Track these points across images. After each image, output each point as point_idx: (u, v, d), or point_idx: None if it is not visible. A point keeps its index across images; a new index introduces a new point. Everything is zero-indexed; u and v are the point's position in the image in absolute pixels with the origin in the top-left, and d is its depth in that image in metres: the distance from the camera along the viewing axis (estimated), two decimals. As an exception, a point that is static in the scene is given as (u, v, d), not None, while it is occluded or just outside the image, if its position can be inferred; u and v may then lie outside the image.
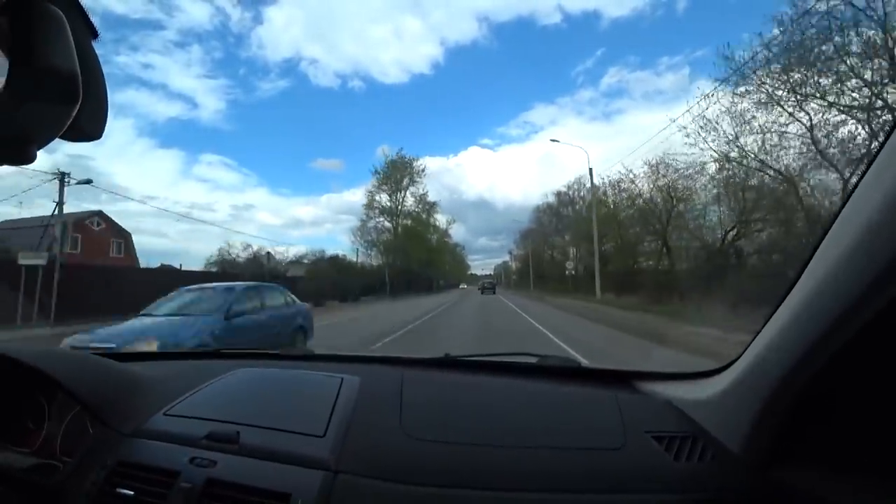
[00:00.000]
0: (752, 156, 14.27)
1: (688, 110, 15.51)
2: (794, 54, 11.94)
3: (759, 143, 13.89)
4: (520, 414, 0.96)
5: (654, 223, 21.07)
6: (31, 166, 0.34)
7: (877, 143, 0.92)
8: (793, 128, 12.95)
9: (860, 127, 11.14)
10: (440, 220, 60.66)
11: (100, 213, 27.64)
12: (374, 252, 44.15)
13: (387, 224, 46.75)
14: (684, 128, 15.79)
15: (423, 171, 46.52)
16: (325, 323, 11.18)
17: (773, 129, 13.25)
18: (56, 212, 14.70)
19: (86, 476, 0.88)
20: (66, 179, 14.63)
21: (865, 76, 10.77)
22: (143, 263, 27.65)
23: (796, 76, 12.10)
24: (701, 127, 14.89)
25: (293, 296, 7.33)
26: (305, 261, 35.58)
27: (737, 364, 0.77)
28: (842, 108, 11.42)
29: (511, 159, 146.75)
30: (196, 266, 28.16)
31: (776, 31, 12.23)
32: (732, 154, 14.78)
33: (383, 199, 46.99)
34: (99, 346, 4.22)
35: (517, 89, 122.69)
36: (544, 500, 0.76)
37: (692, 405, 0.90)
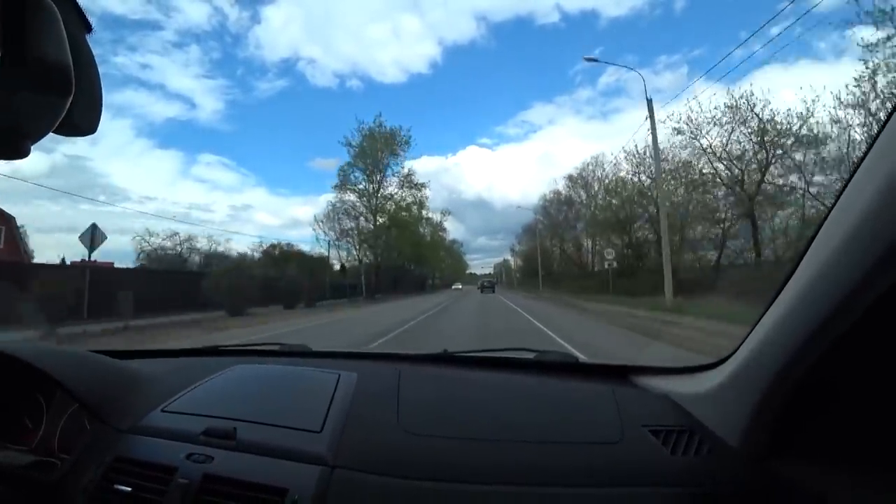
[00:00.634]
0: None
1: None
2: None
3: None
4: (517, 409, 0.97)
5: (741, 197, 14.80)
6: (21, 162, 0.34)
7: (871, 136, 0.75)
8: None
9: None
10: (433, 213, 54.16)
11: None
12: (352, 245, 35.86)
13: (365, 211, 36.84)
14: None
15: (408, 141, 35.68)
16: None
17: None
18: None
19: (83, 473, 0.88)
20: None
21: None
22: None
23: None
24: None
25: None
26: (257, 254, 29.79)
27: (733, 358, 0.77)
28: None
29: (509, 158, 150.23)
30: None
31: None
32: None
33: (359, 179, 37.47)
34: None
35: (515, 88, 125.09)
36: (542, 494, 0.76)
37: (689, 399, 0.90)
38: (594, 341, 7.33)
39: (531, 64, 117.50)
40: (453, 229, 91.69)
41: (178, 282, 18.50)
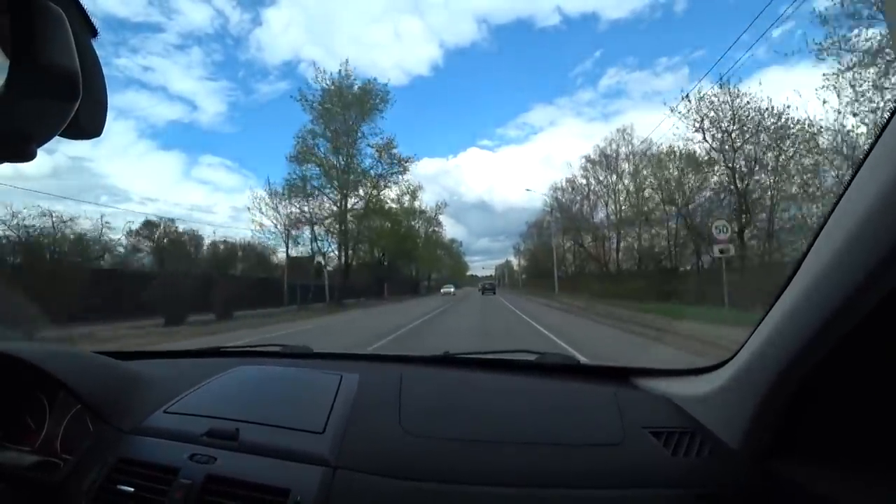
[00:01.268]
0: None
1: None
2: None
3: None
4: (518, 410, 0.97)
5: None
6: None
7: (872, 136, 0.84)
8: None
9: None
10: (427, 206, 47.89)
11: None
12: (318, 236, 26.50)
13: (332, 190, 26.52)
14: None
15: (385, 98, 26.24)
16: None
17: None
18: None
19: (86, 473, 0.88)
20: None
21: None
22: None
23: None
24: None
25: None
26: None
27: (735, 360, 0.78)
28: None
29: (510, 160, 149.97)
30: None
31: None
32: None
33: (322, 150, 26.32)
34: None
35: (516, 90, 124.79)
36: (543, 495, 0.76)
37: (690, 401, 0.90)
38: None
39: (532, 66, 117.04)
40: (453, 230, 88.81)
41: (127, 283, 15.00)
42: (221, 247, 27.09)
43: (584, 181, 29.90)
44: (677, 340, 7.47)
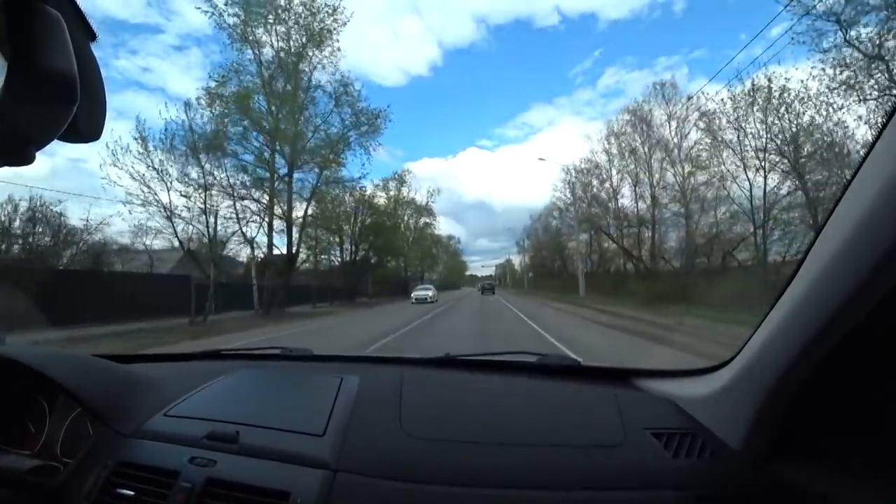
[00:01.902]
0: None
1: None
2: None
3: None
4: (519, 412, 0.96)
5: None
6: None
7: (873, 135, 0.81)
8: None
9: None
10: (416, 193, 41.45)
11: None
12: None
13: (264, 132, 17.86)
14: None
15: (343, 18, 17.95)
16: None
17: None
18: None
19: (86, 477, 0.88)
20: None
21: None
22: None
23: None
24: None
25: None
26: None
27: (735, 361, 0.77)
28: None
29: (509, 160, 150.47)
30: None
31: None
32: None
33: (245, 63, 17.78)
34: None
35: (515, 90, 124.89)
36: (544, 497, 0.75)
37: (691, 402, 0.89)
38: None
39: (531, 66, 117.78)
40: (452, 230, 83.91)
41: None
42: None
43: (605, 158, 23.59)
44: None
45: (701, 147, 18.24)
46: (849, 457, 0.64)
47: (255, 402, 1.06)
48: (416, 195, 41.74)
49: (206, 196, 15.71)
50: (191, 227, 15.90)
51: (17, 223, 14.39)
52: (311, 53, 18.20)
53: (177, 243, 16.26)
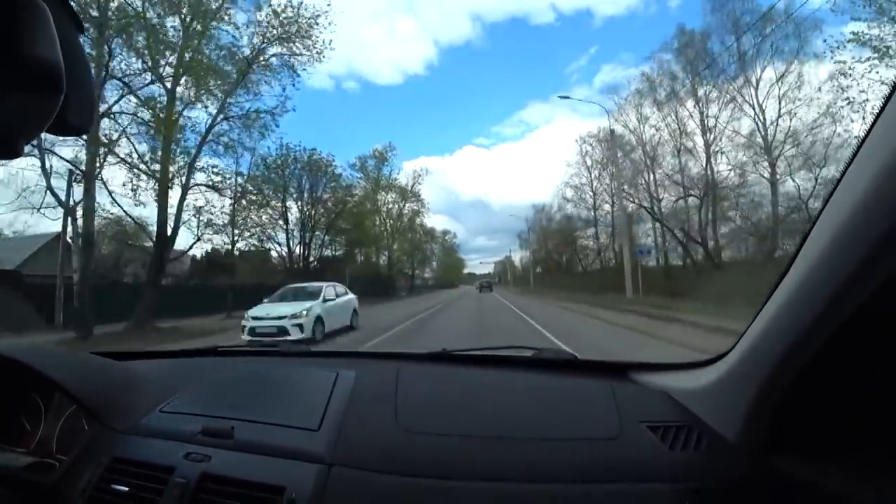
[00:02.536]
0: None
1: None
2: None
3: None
4: (515, 406, 0.96)
5: None
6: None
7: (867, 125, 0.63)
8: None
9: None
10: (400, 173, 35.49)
11: None
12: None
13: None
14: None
15: None
16: None
17: None
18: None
19: (81, 474, 0.88)
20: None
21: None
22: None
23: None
24: None
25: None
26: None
27: (731, 353, 0.77)
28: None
29: (506, 158, 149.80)
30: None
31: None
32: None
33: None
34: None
35: (511, 88, 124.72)
36: (541, 490, 0.75)
37: (687, 395, 0.89)
38: None
39: (527, 63, 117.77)
40: (450, 228, 79.18)
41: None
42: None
43: (633, 119, 17.29)
44: None
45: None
46: (845, 449, 0.64)
47: (250, 398, 1.05)
48: (400, 176, 35.54)
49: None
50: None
51: None
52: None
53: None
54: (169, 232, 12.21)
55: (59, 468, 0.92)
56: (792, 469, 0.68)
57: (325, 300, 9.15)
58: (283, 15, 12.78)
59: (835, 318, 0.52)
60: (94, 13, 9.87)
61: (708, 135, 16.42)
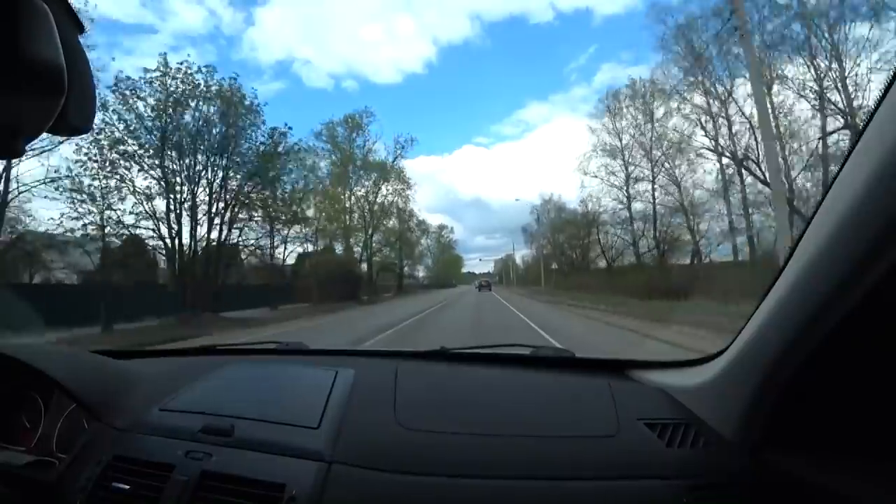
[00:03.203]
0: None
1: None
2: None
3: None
4: (514, 403, 0.97)
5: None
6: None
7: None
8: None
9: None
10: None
11: None
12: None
13: None
14: None
15: None
16: None
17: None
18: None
19: (81, 472, 0.87)
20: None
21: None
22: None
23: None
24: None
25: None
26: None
27: (728, 351, 0.78)
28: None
29: (506, 157, 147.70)
30: None
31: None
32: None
33: None
34: None
35: (510, 87, 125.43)
36: (539, 487, 0.76)
37: (685, 392, 0.90)
38: None
39: (526, 62, 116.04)
40: (451, 227, 74.79)
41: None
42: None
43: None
44: None
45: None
46: (841, 445, 0.64)
47: (249, 396, 1.04)
48: (378, 145, 29.07)
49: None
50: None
51: None
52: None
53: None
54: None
55: (58, 466, 0.92)
56: (788, 466, 0.68)
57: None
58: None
59: (831, 315, 0.52)
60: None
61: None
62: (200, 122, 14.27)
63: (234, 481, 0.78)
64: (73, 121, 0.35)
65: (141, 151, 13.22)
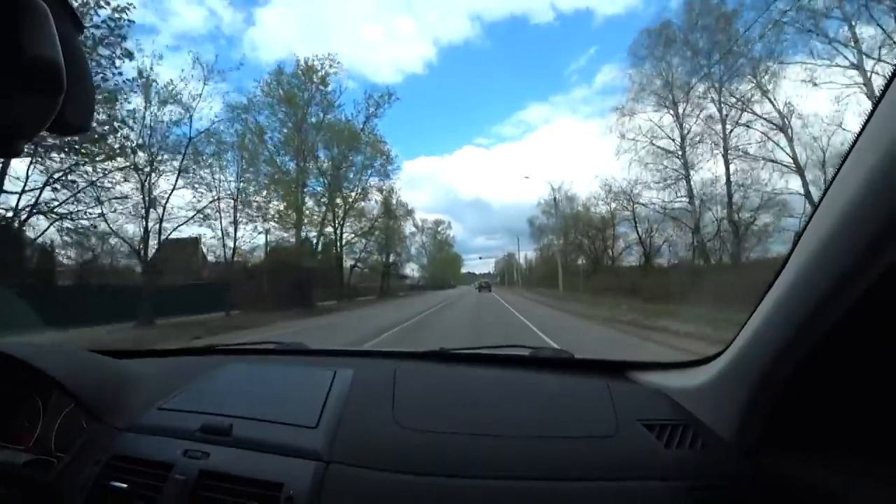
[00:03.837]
0: None
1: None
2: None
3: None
4: (512, 404, 0.97)
5: None
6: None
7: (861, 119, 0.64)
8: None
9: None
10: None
11: None
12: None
13: None
14: None
15: None
16: None
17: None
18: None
19: (80, 471, 0.88)
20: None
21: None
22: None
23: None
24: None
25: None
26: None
27: (726, 353, 0.78)
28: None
29: (506, 158, 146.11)
30: None
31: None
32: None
33: None
34: None
35: (511, 88, 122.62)
36: (537, 488, 0.76)
37: (683, 394, 0.90)
38: None
39: (526, 64, 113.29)
40: (451, 228, 69.39)
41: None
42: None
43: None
44: None
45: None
46: (838, 446, 0.64)
47: (248, 396, 1.05)
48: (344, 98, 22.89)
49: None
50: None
51: None
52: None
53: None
54: None
55: (57, 465, 0.92)
56: (786, 467, 0.68)
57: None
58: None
59: (831, 313, 0.52)
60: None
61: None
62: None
63: (232, 480, 0.78)
64: (71, 120, 0.35)
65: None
